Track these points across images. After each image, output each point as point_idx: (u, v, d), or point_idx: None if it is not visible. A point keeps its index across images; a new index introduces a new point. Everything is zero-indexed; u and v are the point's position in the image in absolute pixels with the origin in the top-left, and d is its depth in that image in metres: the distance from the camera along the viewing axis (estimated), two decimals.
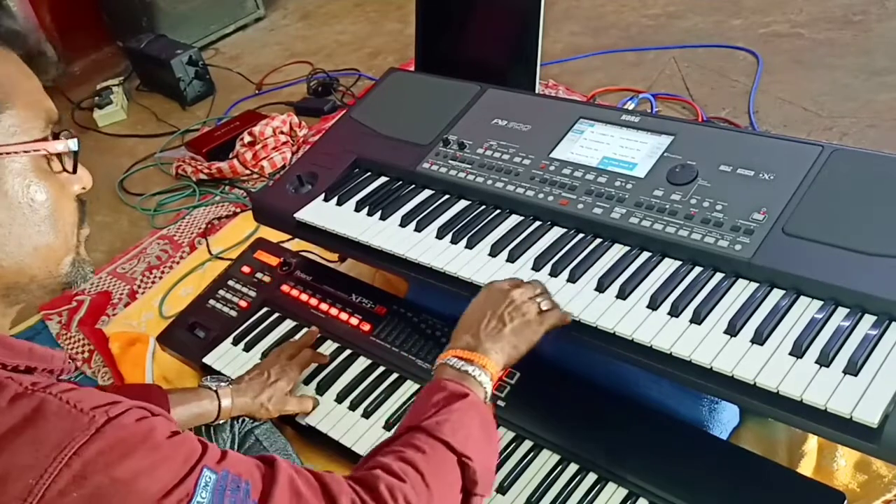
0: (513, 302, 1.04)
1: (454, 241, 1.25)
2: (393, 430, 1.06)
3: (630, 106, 2.19)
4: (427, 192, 1.38)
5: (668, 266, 1.11)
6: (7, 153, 0.70)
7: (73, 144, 0.75)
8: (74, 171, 0.77)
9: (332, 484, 0.77)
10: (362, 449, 1.23)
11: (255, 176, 2.37)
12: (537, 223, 1.25)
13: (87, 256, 0.81)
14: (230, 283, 1.62)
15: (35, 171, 0.72)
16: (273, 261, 1.63)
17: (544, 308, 1.05)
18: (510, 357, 1.01)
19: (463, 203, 1.34)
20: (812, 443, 1.20)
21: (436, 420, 0.89)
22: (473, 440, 0.89)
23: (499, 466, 1.14)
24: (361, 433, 1.26)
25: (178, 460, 0.66)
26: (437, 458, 0.86)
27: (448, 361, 0.99)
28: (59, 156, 0.75)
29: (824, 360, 0.91)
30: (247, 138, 2.40)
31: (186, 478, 0.65)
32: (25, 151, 0.71)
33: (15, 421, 0.61)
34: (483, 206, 1.32)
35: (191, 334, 1.55)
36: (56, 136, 0.75)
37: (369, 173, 1.47)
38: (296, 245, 1.78)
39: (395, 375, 1.33)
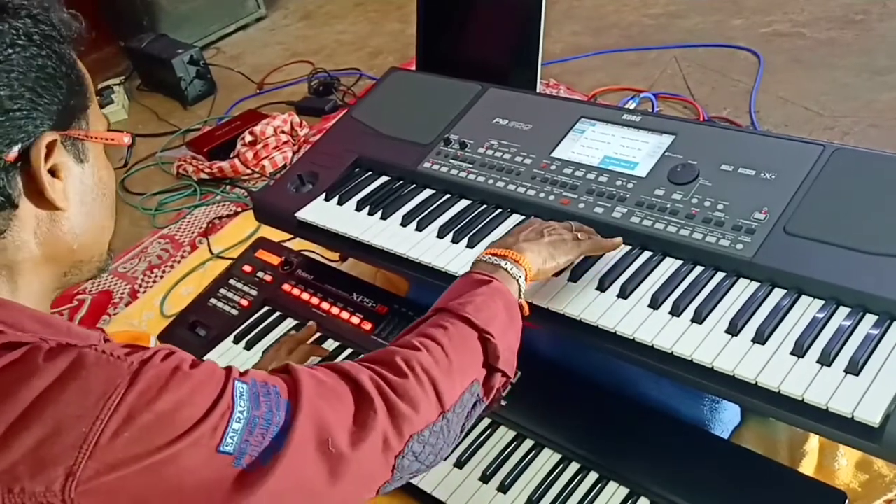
0: (552, 224, 1.09)
1: (455, 241, 1.25)
2: None
3: (631, 105, 2.19)
4: (428, 192, 1.38)
5: (669, 265, 1.11)
6: (95, 138, 0.76)
7: (128, 139, 0.83)
8: (126, 165, 0.85)
9: (349, 368, 0.80)
10: None
11: (256, 175, 2.37)
12: None
13: None
14: (231, 282, 1.63)
15: (104, 159, 0.79)
16: (274, 260, 1.63)
17: (580, 238, 1.09)
18: (545, 263, 1.03)
19: (464, 202, 1.34)
20: (813, 442, 1.20)
21: (458, 302, 0.92)
22: (498, 321, 0.91)
23: (499, 466, 1.14)
24: None
25: (211, 382, 0.69)
26: (457, 333, 0.88)
27: (481, 258, 1.02)
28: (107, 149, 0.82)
29: (826, 360, 0.91)
30: (248, 138, 2.40)
31: (223, 394, 0.69)
32: (105, 139, 0.78)
33: (57, 374, 0.63)
34: (484, 206, 1.32)
35: (192, 333, 1.55)
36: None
37: (370, 173, 1.47)
38: (297, 244, 1.78)
39: None
